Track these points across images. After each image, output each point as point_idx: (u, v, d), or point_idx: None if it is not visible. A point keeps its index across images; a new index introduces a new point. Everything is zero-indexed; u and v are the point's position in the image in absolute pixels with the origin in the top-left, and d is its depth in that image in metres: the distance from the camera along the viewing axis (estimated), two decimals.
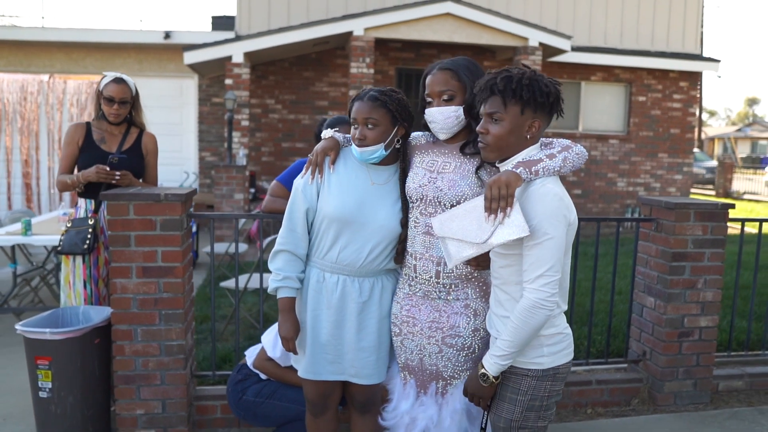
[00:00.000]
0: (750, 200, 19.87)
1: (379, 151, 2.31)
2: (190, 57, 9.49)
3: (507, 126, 1.99)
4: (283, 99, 11.27)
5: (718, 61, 12.22)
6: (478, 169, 2.23)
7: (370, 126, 2.29)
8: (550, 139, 2.14)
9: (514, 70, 1.99)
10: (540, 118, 2.01)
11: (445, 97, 2.23)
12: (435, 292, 2.29)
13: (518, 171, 1.94)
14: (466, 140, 2.29)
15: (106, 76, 3.57)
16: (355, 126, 2.33)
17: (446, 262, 2.19)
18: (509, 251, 1.99)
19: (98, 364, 3.24)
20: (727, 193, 21.04)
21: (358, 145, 2.32)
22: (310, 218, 2.40)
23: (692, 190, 21.52)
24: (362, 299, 2.38)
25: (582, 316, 5.18)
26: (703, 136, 43.20)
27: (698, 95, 12.54)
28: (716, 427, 3.60)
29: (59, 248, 3.48)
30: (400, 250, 2.37)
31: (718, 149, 46.84)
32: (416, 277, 2.32)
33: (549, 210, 1.89)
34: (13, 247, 5.05)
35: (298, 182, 2.41)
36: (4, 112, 11.26)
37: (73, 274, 3.50)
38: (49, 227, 5.48)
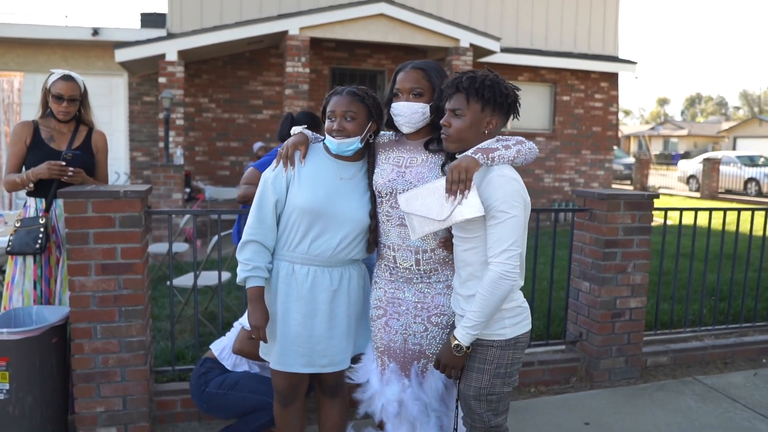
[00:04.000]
0: (665, 194, 21.07)
1: (355, 143, 2.44)
2: (121, 54, 9.29)
3: (468, 121, 2.20)
4: (217, 98, 11.17)
5: (635, 63, 12.98)
6: (443, 165, 2.40)
7: (348, 118, 2.41)
8: (507, 137, 2.34)
9: (479, 72, 2.21)
10: (497, 116, 2.23)
11: (414, 93, 2.39)
12: (417, 277, 2.45)
13: (477, 156, 2.14)
14: (429, 137, 2.46)
15: (53, 74, 3.53)
16: (332, 119, 2.43)
17: (427, 251, 2.39)
18: (471, 235, 2.19)
19: (56, 364, 3.21)
20: (644, 188, 22.24)
21: (336, 137, 2.42)
22: (279, 210, 2.48)
23: (612, 186, 22.65)
24: (333, 288, 2.49)
25: None
26: (619, 134, 45.40)
27: (617, 95, 13.26)
28: (646, 398, 3.93)
29: (8, 248, 3.42)
30: (371, 240, 2.51)
31: (633, 146, 49.33)
32: (396, 266, 2.46)
33: (508, 192, 2.11)
34: None
35: (268, 175, 2.49)
36: None
37: (23, 275, 3.45)
38: None
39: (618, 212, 3.98)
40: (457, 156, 2.28)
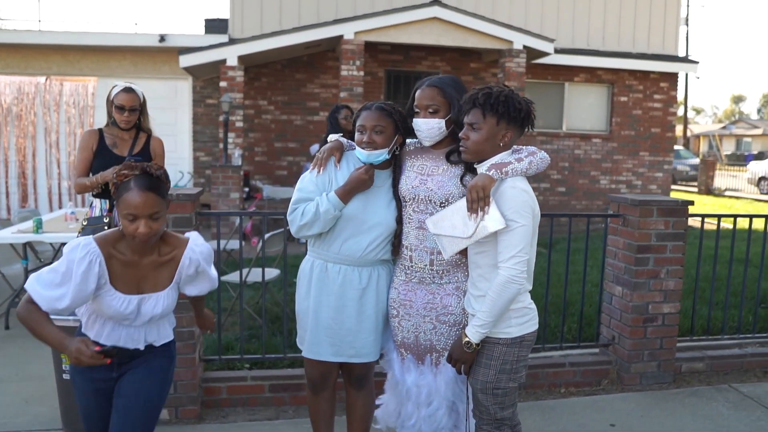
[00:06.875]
0: (731, 197, 20.35)
1: (383, 154, 2.64)
2: (185, 60, 9.77)
3: (484, 134, 2.37)
4: (275, 100, 11.57)
5: (697, 62, 12.65)
6: (462, 177, 2.58)
7: (377, 132, 2.62)
8: (521, 147, 2.49)
9: (495, 88, 2.38)
10: (512, 129, 2.39)
11: (430, 110, 2.58)
12: (429, 277, 2.64)
13: (491, 173, 2.31)
14: (450, 148, 2.63)
15: (116, 86, 3.88)
16: (363, 132, 2.64)
17: (441, 253, 2.56)
18: (483, 240, 2.35)
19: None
20: (709, 190, 21.53)
21: (366, 148, 2.63)
22: None
23: (675, 187, 22.01)
24: (362, 286, 2.71)
25: (558, 305, 5.54)
26: (688, 133, 43.80)
27: (677, 95, 12.95)
28: (677, 403, 3.97)
29: None
30: (396, 244, 2.71)
31: (703, 146, 47.51)
32: (412, 266, 2.67)
33: (519, 203, 2.28)
34: (24, 245, 5.34)
35: (307, 176, 2.72)
36: (1, 114, 11.49)
37: None
38: (57, 225, 5.78)
39: (651, 218, 4.04)
40: (475, 165, 2.45)
